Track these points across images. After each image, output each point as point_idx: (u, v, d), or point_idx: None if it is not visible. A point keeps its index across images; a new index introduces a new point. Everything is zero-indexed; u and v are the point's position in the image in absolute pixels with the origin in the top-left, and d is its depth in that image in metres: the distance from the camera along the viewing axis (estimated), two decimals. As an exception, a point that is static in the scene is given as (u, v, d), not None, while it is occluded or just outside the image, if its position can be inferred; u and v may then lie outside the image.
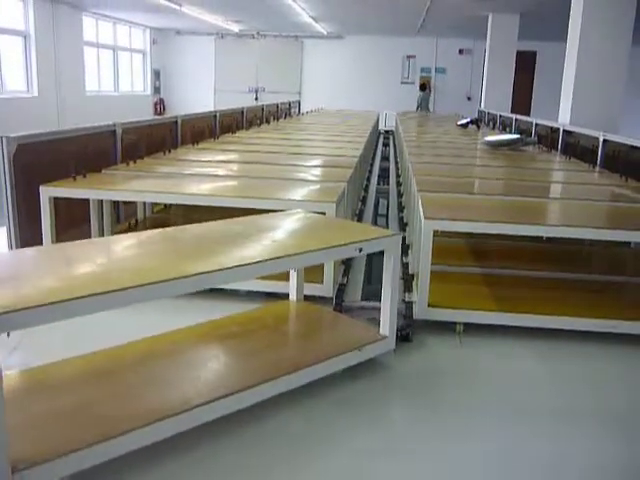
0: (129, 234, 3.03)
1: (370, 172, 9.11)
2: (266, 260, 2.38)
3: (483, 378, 3.00)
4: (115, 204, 4.81)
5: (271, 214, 3.23)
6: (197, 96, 20.02)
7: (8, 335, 1.76)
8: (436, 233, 3.37)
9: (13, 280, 2.10)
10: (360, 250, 2.80)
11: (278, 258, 2.42)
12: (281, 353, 2.82)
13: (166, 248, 2.61)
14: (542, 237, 4.49)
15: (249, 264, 2.32)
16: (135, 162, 4.90)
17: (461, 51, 19.73)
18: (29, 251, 2.80)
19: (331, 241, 2.73)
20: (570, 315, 3.41)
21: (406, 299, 3.59)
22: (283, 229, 3.03)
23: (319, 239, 2.82)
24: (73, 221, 4.38)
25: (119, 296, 1.99)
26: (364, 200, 6.90)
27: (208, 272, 2.20)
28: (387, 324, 2.95)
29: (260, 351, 2.79)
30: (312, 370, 2.64)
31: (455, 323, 3.41)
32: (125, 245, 2.71)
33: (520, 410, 2.71)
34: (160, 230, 2.85)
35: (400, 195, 7.16)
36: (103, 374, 2.51)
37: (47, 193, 3.80)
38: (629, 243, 4.79)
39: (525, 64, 17.20)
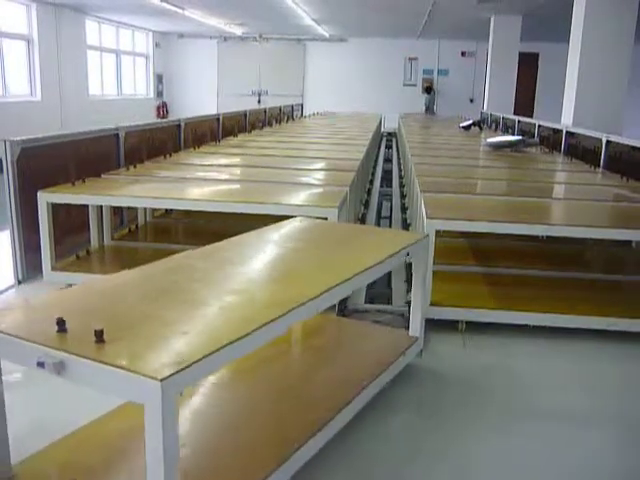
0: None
1: (373, 175, 9.11)
2: (346, 281, 2.25)
3: (486, 376, 3.01)
4: (118, 208, 4.81)
5: (282, 223, 3.11)
6: (200, 99, 20.03)
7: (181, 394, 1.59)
8: (438, 233, 3.39)
9: (153, 321, 1.85)
10: (407, 254, 2.79)
11: (349, 279, 2.27)
12: (341, 371, 2.73)
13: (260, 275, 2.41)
14: (543, 237, 4.52)
15: (333, 287, 2.17)
16: (135, 167, 4.89)
17: (463, 53, 19.70)
18: (118, 279, 2.28)
19: (371, 250, 2.67)
20: (571, 313, 3.45)
21: (408, 299, 3.60)
22: (312, 242, 2.90)
23: (360, 249, 2.74)
24: (73, 226, 4.39)
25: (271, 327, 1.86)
26: (367, 203, 6.90)
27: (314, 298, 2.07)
28: (418, 325, 2.98)
29: (320, 370, 2.75)
30: (378, 382, 2.64)
31: (457, 321, 3.45)
32: (170, 271, 2.42)
33: (522, 410, 2.71)
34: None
35: (403, 197, 7.17)
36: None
37: (45, 199, 3.77)
38: (630, 242, 4.81)
39: (528, 66, 17.17)
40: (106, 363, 1.53)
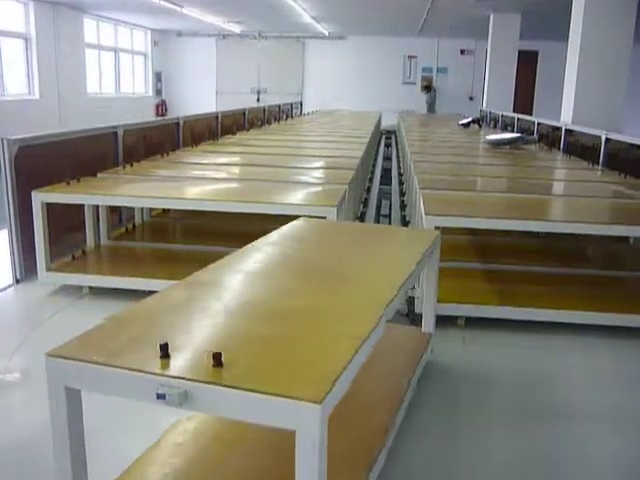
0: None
1: (372, 173, 9.10)
2: (401, 286, 2.16)
3: (486, 371, 3.02)
4: (115, 206, 4.79)
5: (289, 225, 3.01)
6: (199, 98, 20.01)
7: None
8: (437, 229, 3.40)
9: (256, 338, 1.72)
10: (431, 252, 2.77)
11: (403, 284, 2.18)
12: (381, 370, 2.66)
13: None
14: (542, 233, 4.55)
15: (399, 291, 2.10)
16: (132, 165, 4.86)
17: (462, 51, 19.69)
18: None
19: (403, 251, 2.63)
20: (570, 309, 3.49)
21: (408, 294, 3.60)
22: (333, 244, 2.79)
23: (391, 251, 2.67)
24: (71, 225, 4.37)
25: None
26: (366, 201, 6.89)
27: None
28: (430, 322, 3.00)
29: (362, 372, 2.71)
30: (415, 379, 2.64)
31: (457, 317, 3.47)
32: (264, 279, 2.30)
33: (523, 406, 2.71)
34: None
35: (402, 194, 7.17)
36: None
37: (39, 198, 3.74)
38: (628, 239, 4.82)
39: (527, 64, 17.16)
40: (248, 390, 1.40)
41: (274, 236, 2.77)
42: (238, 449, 2.04)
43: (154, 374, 1.46)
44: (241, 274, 2.28)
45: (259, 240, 2.64)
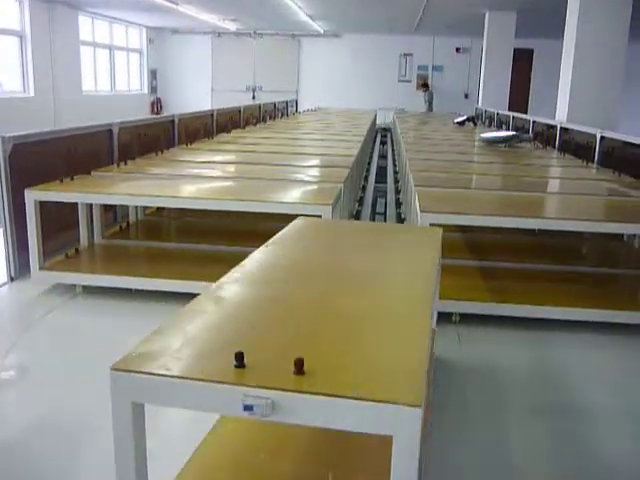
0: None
1: (368, 171, 9.10)
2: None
3: (481, 367, 3.03)
4: (109, 205, 4.77)
5: (291, 225, 2.90)
6: (194, 95, 19.98)
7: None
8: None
9: (322, 342, 1.65)
10: None
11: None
12: None
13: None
14: (536, 231, 4.58)
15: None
16: (126, 163, 4.85)
17: (458, 49, 19.71)
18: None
19: (419, 250, 2.57)
20: (564, 306, 3.52)
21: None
22: (345, 245, 2.69)
23: (408, 250, 2.61)
24: (65, 223, 4.36)
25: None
26: (362, 200, 6.89)
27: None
28: (433, 319, 2.99)
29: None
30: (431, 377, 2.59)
31: (452, 313, 3.50)
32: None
33: (520, 402, 2.71)
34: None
35: (398, 192, 7.18)
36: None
37: (32, 197, 3.71)
38: (622, 236, 4.85)
39: (522, 62, 17.19)
40: (342, 397, 1.33)
41: (283, 237, 2.65)
42: (281, 454, 1.98)
43: (238, 385, 1.37)
44: (274, 278, 2.18)
45: (270, 242, 2.53)
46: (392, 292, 2.07)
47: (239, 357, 1.44)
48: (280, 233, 2.67)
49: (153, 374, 1.42)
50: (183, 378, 1.41)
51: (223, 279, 2.07)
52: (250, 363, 1.45)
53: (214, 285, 2.02)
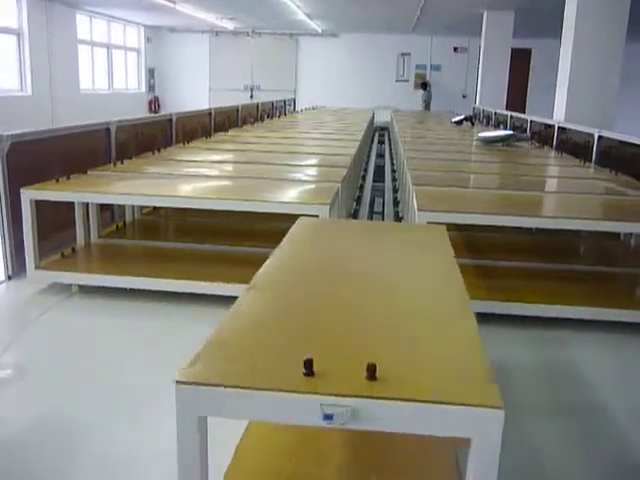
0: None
1: (365, 170, 9.11)
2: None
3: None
4: (106, 204, 4.75)
5: (295, 226, 2.82)
6: (192, 94, 19.97)
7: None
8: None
9: (383, 345, 1.60)
10: None
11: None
12: None
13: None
14: (533, 229, 4.58)
15: None
16: (122, 162, 4.83)
17: (456, 49, 19.73)
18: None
19: (435, 249, 2.53)
20: (561, 304, 3.52)
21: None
22: (358, 245, 2.65)
23: (423, 248, 2.58)
24: (62, 222, 4.34)
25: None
26: (359, 199, 6.90)
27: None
28: None
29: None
30: None
31: None
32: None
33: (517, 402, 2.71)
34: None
35: (395, 191, 7.18)
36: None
37: (28, 196, 3.69)
38: (619, 235, 4.86)
39: (520, 61, 17.19)
40: (424, 401, 1.32)
41: (294, 238, 2.56)
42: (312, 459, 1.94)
43: (315, 393, 1.33)
44: (305, 281, 2.11)
45: (283, 243, 2.43)
46: (429, 293, 2.05)
47: (308, 364, 1.39)
48: (289, 234, 2.60)
49: (221, 386, 1.36)
50: (254, 389, 1.36)
51: (254, 282, 1.98)
52: (318, 370, 1.40)
53: (247, 289, 1.93)
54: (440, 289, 2.07)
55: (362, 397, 1.32)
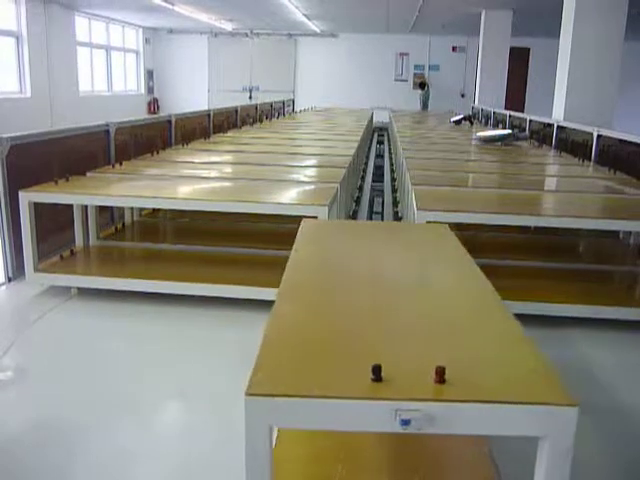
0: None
1: (365, 171, 9.11)
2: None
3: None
4: (105, 206, 4.74)
5: (301, 227, 2.79)
6: (191, 95, 19.98)
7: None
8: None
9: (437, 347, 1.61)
10: None
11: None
12: None
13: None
14: (532, 228, 4.60)
15: None
16: (121, 164, 4.83)
17: (454, 48, 19.73)
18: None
19: (448, 250, 2.53)
20: (560, 302, 3.53)
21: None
22: (371, 247, 2.61)
23: (436, 248, 2.58)
24: (61, 224, 4.34)
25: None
26: (359, 199, 6.90)
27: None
28: None
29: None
30: None
31: None
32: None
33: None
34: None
35: (395, 191, 7.18)
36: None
37: (26, 198, 3.67)
38: (618, 234, 4.86)
39: (519, 60, 17.20)
40: (497, 402, 1.32)
41: (305, 240, 2.53)
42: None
43: (388, 399, 1.32)
44: (336, 286, 2.08)
45: (296, 246, 2.40)
46: (463, 293, 2.05)
47: (376, 370, 1.38)
48: (299, 236, 2.56)
49: (292, 396, 1.35)
50: (326, 398, 1.34)
51: (284, 289, 1.95)
52: (386, 375, 1.39)
53: (278, 295, 1.89)
54: (472, 289, 2.06)
55: (436, 401, 1.32)
